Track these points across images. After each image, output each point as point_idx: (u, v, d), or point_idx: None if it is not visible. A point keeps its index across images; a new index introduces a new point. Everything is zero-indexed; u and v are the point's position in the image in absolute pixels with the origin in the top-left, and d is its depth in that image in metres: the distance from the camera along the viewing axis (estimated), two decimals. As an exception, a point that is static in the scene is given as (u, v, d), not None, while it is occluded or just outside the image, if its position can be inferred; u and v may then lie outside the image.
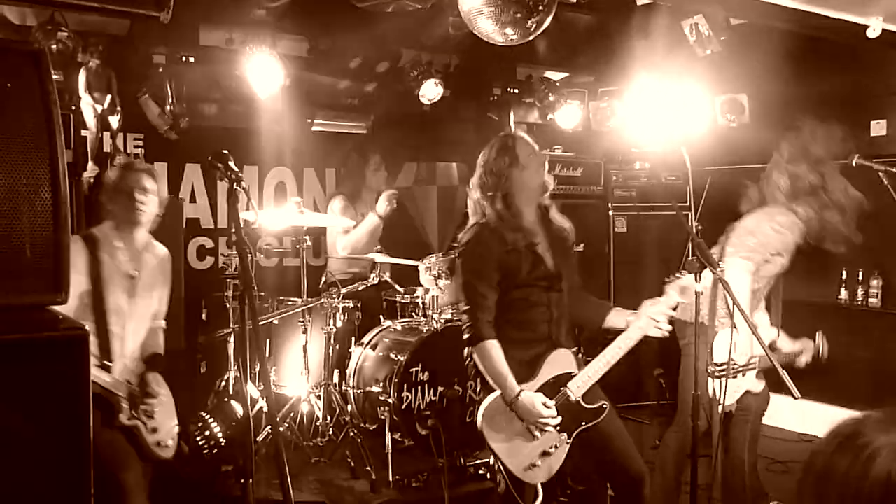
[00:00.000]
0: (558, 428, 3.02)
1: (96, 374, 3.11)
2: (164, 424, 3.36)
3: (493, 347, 3.01)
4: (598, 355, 3.12)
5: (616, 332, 3.17)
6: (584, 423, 3.08)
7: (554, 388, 3.06)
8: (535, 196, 3.18)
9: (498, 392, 3.02)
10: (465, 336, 3.10)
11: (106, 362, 3.25)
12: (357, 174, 5.65)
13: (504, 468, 3.01)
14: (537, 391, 3.01)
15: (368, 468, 4.36)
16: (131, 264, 3.43)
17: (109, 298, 3.30)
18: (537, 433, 3.00)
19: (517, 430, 3.00)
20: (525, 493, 3.05)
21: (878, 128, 5.35)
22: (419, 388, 4.53)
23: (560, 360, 3.11)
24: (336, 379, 4.84)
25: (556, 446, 3.02)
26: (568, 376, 3.09)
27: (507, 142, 3.20)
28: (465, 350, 3.14)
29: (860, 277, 5.40)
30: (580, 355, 3.22)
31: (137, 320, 3.46)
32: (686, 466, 3.52)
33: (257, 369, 4.56)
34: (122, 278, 3.38)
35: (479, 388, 4.63)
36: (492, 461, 3.06)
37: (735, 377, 3.62)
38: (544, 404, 2.99)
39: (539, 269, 3.11)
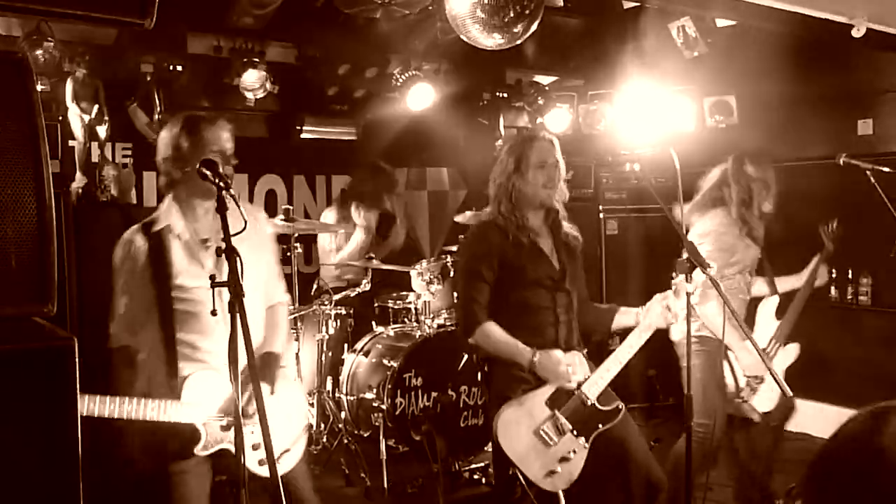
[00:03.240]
0: (575, 433, 2.98)
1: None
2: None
3: (491, 326, 2.99)
4: (611, 355, 3.08)
5: (626, 332, 3.15)
6: (600, 426, 3.04)
7: (568, 392, 3.02)
8: (538, 205, 3.13)
9: (512, 403, 2.96)
10: (460, 331, 3.07)
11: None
12: (370, 186, 5.65)
13: (523, 477, 2.94)
14: (551, 396, 2.99)
15: (363, 475, 4.35)
16: None
17: None
18: (554, 437, 2.95)
19: (534, 438, 2.95)
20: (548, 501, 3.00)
21: (865, 126, 5.38)
22: (413, 393, 4.52)
23: (572, 364, 3.07)
24: (329, 386, 4.83)
25: (574, 451, 2.97)
26: (581, 380, 3.07)
27: (520, 145, 3.14)
28: (466, 350, 3.09)
29: (850, 276, 5.42)
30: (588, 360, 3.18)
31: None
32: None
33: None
34: None
35: (483, 396, 4.70)
36: (487, 459, 3.02)
37: (763, 381, 3.66)
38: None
39: (543, 267, 3.08)
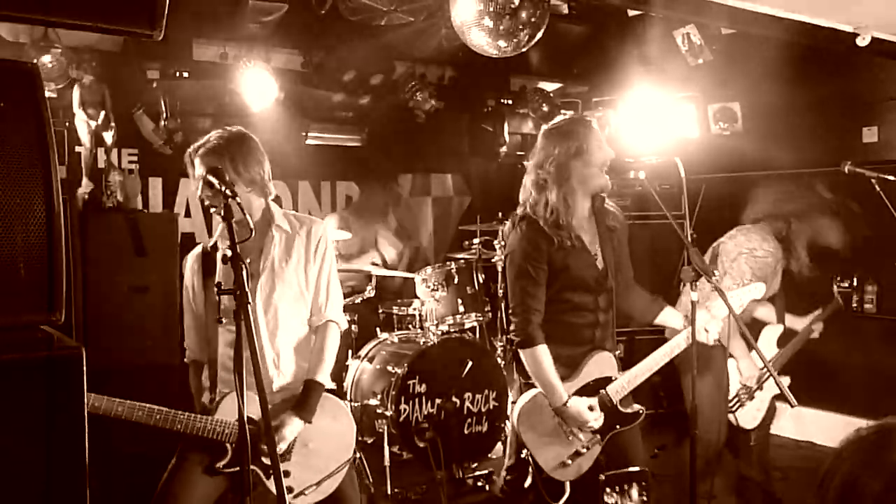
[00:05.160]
0: (600, 424, 3.02)
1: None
2: (298, 473, 2.79)
3: (544, 353, 2.96)
4: (642, 360, 3.10)
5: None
6: (618, 427, 3.07)
7: (593, 390, 3.04)
8: (597, 189, 3.06)
9: (534, 391, 3.01)
10: (515, 338, 3.04)
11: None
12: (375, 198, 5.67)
13: (534, 463, 2.99)
14: (576, 392, 3.00)
15: (367, 481, 4.35)
16: None
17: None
18: (580, 435, 2.99)
19: (552, 429, 2.99)
20: (552, 489, 3.03)
21: (870, 134, 5.38)
22: (417, 400, 4.52)
23: (601, 363, 3.08)
24: (333, 392, 4.83)
25: (588, 447, 3.02)
26: (608, 380, 3.07)
27: (578, 129, 3.03)
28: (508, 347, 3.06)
29: (855, 283, 5.41)
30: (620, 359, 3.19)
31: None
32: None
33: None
34: None
35: (487, 403, 4.70)
36: (524, 455, 3.03)
37: (752, 398, 3.67)
38: (590, 408, 2.99)
39: (587, 268, 3.04)
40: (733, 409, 3.70)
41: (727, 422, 3.69)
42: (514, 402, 3.17)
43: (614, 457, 3.08)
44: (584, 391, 3.03)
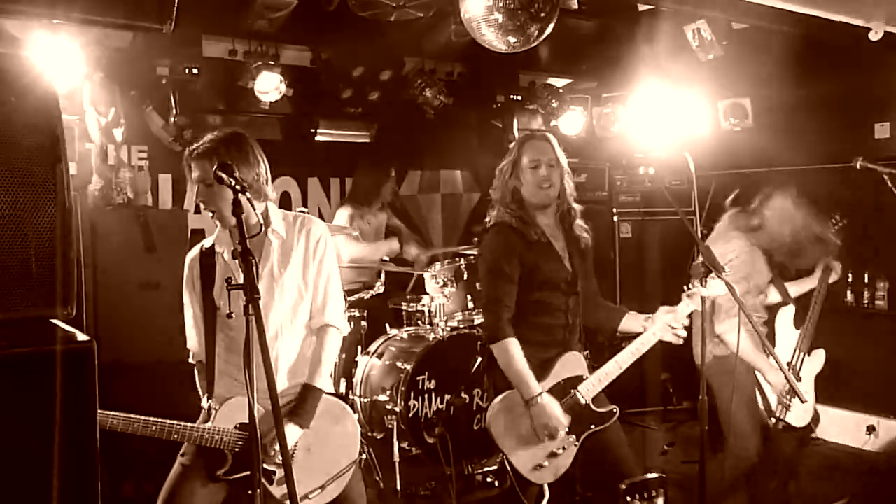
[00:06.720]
0: (567, 430, 3.02)
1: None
2: (301, 477, 2.61)
3: (514, 345, 2.98)
4: (611, 359, 3.11)
5: (629, 337, 3.17)
6: (592, 427, 3.08)
7: (564, 389, 3.06)
8: (538, 206, 3.13)
9: (507, 392, 3.01)
10: (485, 334, 3.07)
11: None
12: (367, 183, 5.63)
13: (511, 467, 3.00)
14: (548, 392, 3.00)
15: (376, 477, 4.36)
16: None
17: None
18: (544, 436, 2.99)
19: (526, 431, 2.98)
20: (528, 492, 3.02)
21: (882, 130, 5.34)
22: (426, 396, 4.52)
23: (571, 363, 3.11)
24: (343, 388, 4.84)
25: (563, 448, 3.02)
26: (579, 379, 3.09)
27: (515, 148, 3.19)
28: (479, 350, 3.08)
29: (866, 280, 5.38)
30: (588, 359, 3.20)
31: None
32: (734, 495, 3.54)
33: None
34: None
35: (486, 393, 4.69)
36: (499, 462, 3.02)
37: (794, 398, 3.62)
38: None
39: (556, 268, 3.10)
40: (783, 417, 3.65)
41: (759, 433, 3.63)
42: (486, 408, 3.13)
43: (594, 457, 3.09)
44: (555, 390, 3.04)
